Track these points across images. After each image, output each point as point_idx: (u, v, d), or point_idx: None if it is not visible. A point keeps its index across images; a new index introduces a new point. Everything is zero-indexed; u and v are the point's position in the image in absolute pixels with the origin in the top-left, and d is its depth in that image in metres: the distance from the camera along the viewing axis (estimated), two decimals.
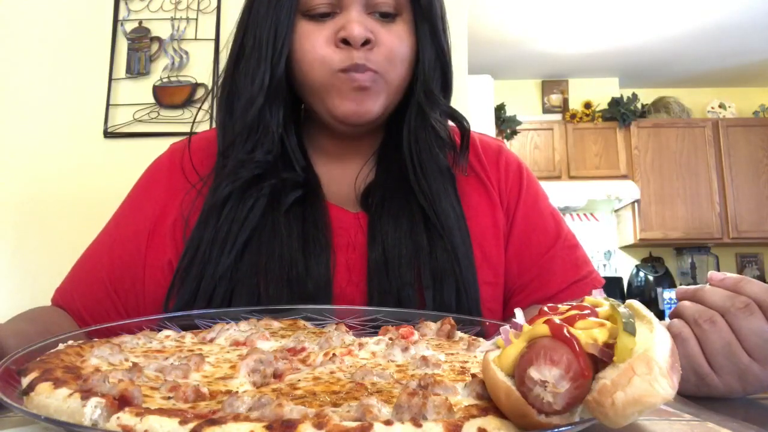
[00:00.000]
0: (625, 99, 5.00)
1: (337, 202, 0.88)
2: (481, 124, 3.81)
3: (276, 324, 0.67)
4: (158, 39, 2.19)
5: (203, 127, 1.90)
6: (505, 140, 4.89)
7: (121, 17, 2.20)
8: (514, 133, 4.93)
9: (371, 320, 0.69)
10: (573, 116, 5.03)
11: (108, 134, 2.12)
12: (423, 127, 0.85)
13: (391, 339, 0.57)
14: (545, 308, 0.39)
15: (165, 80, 2.16)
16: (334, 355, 0.50)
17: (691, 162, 4.86)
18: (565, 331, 0.34)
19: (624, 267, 5.19)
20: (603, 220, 5.28)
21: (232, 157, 0.83)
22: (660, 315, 4.29)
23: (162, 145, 1.00)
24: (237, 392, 0.38)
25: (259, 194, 0.82)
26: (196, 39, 2.18)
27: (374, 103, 0.82)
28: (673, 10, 4.11)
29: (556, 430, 0.33)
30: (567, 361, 0.33)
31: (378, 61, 0.79)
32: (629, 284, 5.04)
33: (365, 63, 0.78)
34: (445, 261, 0.80)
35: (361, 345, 0.54)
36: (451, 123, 0.90)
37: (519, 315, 0.42)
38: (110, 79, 2.15)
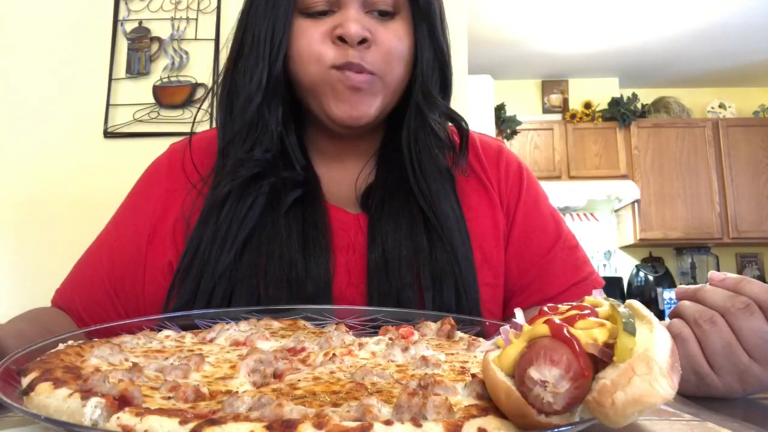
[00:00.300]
0: (625, 99, 5.00)
1: (336, 202, 0.88)
2: (481, 124, 3.81)
3: (276, 324, 0.67)
4: (158, 39, 2.19)
5: (203, 127, 1.90)
6: (505, 140, 4.89)
7: (121, 17, 2.20)
8: (514, 133, 4.93)
9: (371, 320, 0.69)
10: (573, 116, 5.03)
11: (108, 134, 2.12)
12: (422, 128, 0.85)
13: (391, 339, 0.57)
14: (545, 308, 0.39)
15: (165, 80, 2.16)
16: (334, 355, 0.50)
17: (691, 162, 4.86)
18: (565, 331, 0.34)
19: (624, 267, 5.19)
20: (603, 220, 5.28)
21: (231, 156, 0.83)
22: (660, 315, 4.29)
23: (162, 145, 1.00)
24: (237, 392, 0.38)
25: (259, 193, 0.81)
26: (196, 39, 2.18)
27: (370, 106, 0.81)
28: (673, 10, 4.11)
29: (556, 430, 0.33)
30: (567, 361, 0.33)
31: (375, 61, 0.79)
32: (629, 284, 5.04)
33: (361, 62, 0.78)
34: (444, 262, 0.80)
35: (361, 345, 0.54)
36: (450, 123, 0.90)
37: (519, 315, 0.42)
38: (110, 79, 2.15)
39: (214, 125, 0.97)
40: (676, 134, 4.92)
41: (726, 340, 0.57)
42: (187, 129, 1.99)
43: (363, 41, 0.78)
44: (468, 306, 0.80)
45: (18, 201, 2.11)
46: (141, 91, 2.15)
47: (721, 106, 5.19)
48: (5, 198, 2.11)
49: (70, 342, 0.51)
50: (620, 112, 4.91)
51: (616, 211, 5.20)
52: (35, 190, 2.11)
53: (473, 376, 0.42)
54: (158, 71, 2.17)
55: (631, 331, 0.34)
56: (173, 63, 2.16)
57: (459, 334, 0.64)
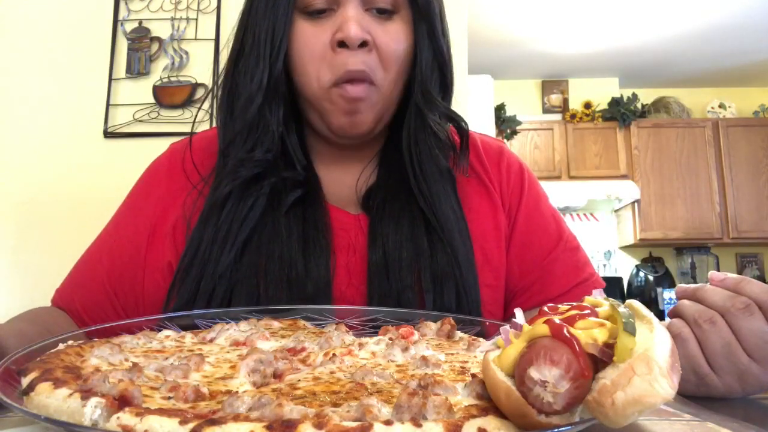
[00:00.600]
0: (625, 99, 5.00)
1: (337, 203, 0.88)
2: (481, 124, 3.81)
3: (276, 324, 0.67)
4: (158, 39, 2.19)
5: (203, 127, 1.90)
6: (505, 140, 4.89)
7: (121, 17, 2.20)
8: (514, 133, 4.93)
9: (371, 320, 0.69)
10: (573, 116, 5.03)
11: (108, 134, 2.12)
12: (422, 129, 0.85)
13: (391, 339, 0.57)
14: (545, 308, 0.39)
15: (165, 80, 2.16)
16: (334, 355, 0.50)
17: (691, 162, 4.86)
18: (565, 331, 0.34)
19: (624, 267, 5.19)
20: (603, 220, 5.28)
21: (232, 156, 0.82)
22: (660, 315, 4.29)
23: (162, 145, 1.00)
24: (237, 392, 0.38)
25: (260, 193, 0.81)
26: (196, 39, 2.18)
27: (367, 116, 0.81)
28: (673, 10, 4.11)
29: (556, 430, 0.33)
30: (567, 361, 0.33)
31: (375, 67, 0.79)
32: (629, 284, 5.04)
33: (364, 68, 0.77)
34: (445, 264, 0.80)
35: (361, 345, 0.54)
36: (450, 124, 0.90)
37: (519, 315, 0.42)
38: (110, 79, 2.15)
39: (214, 125, 0.97)
40: (676, 134, 4.92)
41: (726, 340, 0.57)
42: (187, 129, 1.99)
43: (363, 44, 0.78)
44: (469, 307, 0.79)
45: (18, 201, 2.11)
46: (141, 91, 2.15)
47: (721, 106, 5.19)
48: (5, 198, 2.11)
49: (70, 342, 0.51)
50: (620, 112, 4.91)
51: (616, 211, 5.20)
52: (35, 190, 2.11)
53: (473, 376, 0.42)
54: (158, 71, 2.17)
55: (631, 331, 0.34)
56: (173, 63, 2.16)
57: (459, 334, 0.64)
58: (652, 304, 4.68)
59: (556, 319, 0.36)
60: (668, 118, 5.02)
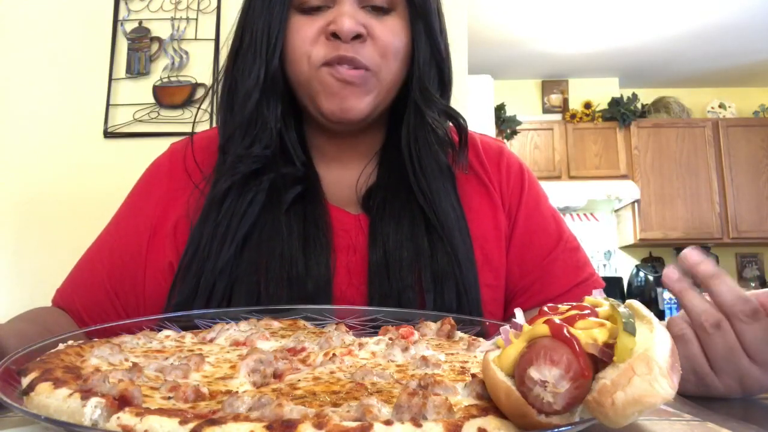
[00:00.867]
0: (625, 99, 5.00)
1: (337, 203, 0.88)
2: (481, 124, 3.81)
3: (276, 324, 0.67)
4: (158, 39, 2.19)
5: (203, 126, 1.90)
6: (505, 140, 4.89)
7: (121, 17, 2.20)
8: (514, 133, 4.93)
9: (371, 320, 0.69)
10: (573, 116, 5.03)
11: (108, 134, 2.12)
12: (421, 126, 0.85)
13: (391, 339, 0.57)
14: (545, 308, 0.39)
15: (165, 80, 2.16)
16: (334, 355, 0.50)
17: (691, 162, 4.86)
18: (565, 331, 0.34)
19: (624, 267, 5.19)
20: (603, 220, 5.28)
21: (230, 152, 0.83)
22: (660, 315, 4.29)
23: (162, 145, 1.00)
24: (237, 392, 0.38)
25: (258, 188, 0.82)
26: (196, 39, 2.18)
27: (361, 101, 0.81)
28: (673, 10, 4.11)
29: (556, 430, 0.33)
30: (567, 361, 0.33)
31: (370, 56, 0.79)
32: (629, 284, 5.04)
33: (355, 56, 0.78)
34: (445, 264, 0.80)
35: (361, 345, 0.54)
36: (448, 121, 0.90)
37: (519, 315, 0.42)
38: (110, 79, 2.15)
39: (214, 125, 0.97)
40: (676, 134, 4.92)
41: (729, 345, 0.55)
42: (187, 129, 1.99)
43: (357, 36, 0.78)
44: (469, 307, 0.79)
45: (18, 201, 2.11)
46: (141, 91, 2.15)
47: (721, 106, 5.19)
48: (5, 198, 2.11)
49: (70, 342, 0.51)
50: (620, 112, 4.91)
51: (616, 211, 5.20)
52: (35, 190, 2.11)
53: (473, 376, 0.42)
54: (158, 71, 2.17)
55: (631, 331, 0.34)
56: (173, 63, 2.16)
57: (459, 334, 0.64)
58: (652, 304, 4.68)
59: (556, 319, 0.36)
60: (668, 118, 5.02)
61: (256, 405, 0.34)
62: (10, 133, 2.15)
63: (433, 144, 0.85)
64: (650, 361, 0.32)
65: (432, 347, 0.56)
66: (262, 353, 0.46)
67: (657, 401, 0.31)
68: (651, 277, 4.89)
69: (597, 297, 0.41)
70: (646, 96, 5.18)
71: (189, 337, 0.59)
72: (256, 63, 0.81)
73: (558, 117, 5.17)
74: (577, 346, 0.34)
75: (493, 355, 0.39)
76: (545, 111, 5.25)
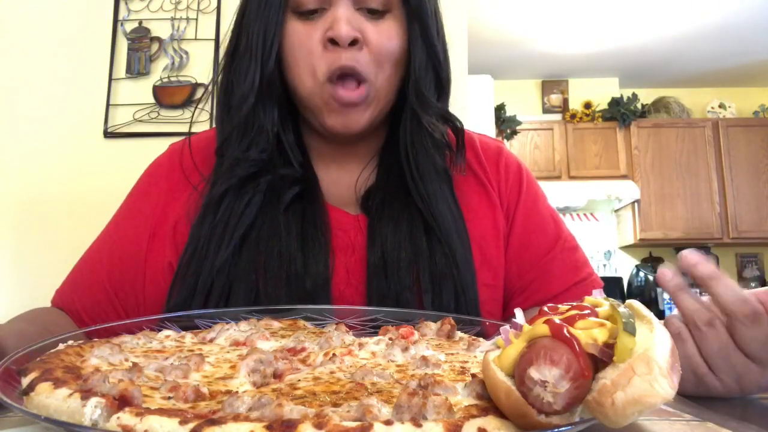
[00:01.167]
0: (625, 99, 5.00)
1: (336, 203, 0.88)
2: (481, 124, 3.81)
3: (276, 324, 0.67)
4: (158, 39, 2.19)
5: (203, 126, 1.90)
6: (505, 140, 4.89)
7: (121, 17, 2.20)
8: (514, 133, 4.93)
9: (371, 320, 0.69)
10: (573, 116, 5.03)
11: (108, 134, 2.12)
12: (417, 129, 0.85)
13: (391, 339, 0.57)
14: (545, 308, 0.39)
15: (165, 80, 2.16)
16: (334, 355, 0.50)
17: (691, 162, 4.86)
18: (565, 331, 0.34)
19: (624, 267, 5.19)
20: (603, 220, 5.28)
21: (227, 155, 0.83)
22: (660, 315, 4.27)
23: (162, 145, 1.00)
24: (237, 392, 0.38)
25: (256, 190, 0.82)
26: (196, 39, 2.19)
27: (362, 116, 0.82)
28: (673, 10, 4.11)
29: (556, 430, 0.33)
30: (567, 361, 0.33)
31: (367, 64, 0.79)
32: (629, 284, 5.04)
33: (355, 65, 0.78)
34: (443, 264, 0.80)
35: (361, 345, 0.54)
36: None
37: (519, 315, 0.42)
38: (110, 79, 2.15)
39: (213, 125, 0.97)
40: (676, 134, 4.92)
41: (723, 342, 0.56)
42: (187, 129, 1.99)
43: (354, 42, 0.78)
44: (467, 307, 0.79)
45: (18, 201, 2.11)
46: (141, 91, 2.15)
47: (721, 106, 5.19)
48: (5, 198, 2.11)
49: (70, 342, 0.52)
50: (620, 112, 4.91)
51: (616, 211, 5.20)
52: (35, 190, 2.11)
53: (473, 376, 0.42)
54: (158, 71, 2.17)
55: (631, 331, 0.34)
56: (173, 63, 2.16)
57: (459, 334, 0.64)
58: (652, 304, 4.68)
59: (556, 319, 0.36)
60: (668, 118, 5.02)
61: (256, 405, 0.34)
62: (10, 133, 2.15)
63: (430, 148, 0.85)
64: (650, 361, 0.32)
65: (432, 347, 0.56)
66: (262, 353, 0.46)
67: (657, 401, 0.31)
68: (651, 277, 4.88)
69: (597, 297, 0.41)
70: (646, 96, 5.18)
71: (189, 337, 0.59)
72: (252, 66, 0.81)
73: (558, 117, 5.17)
74: (577, 346, 0.34)
75: (493, 355, 0.39)
76: (545, 111, 5.25)
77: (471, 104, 2.40)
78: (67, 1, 2.21)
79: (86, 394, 0.35)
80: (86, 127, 2.13)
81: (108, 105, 2.13)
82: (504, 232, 0.89)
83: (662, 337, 0.34)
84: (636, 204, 4.80)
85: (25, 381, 0.40)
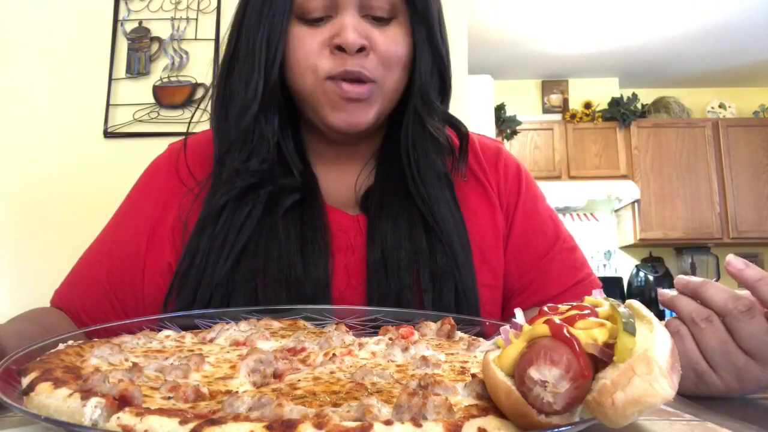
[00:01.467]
0: (625, 99, 5.00)
1: (336, 204, 0.87)
2: (481, 124, 3.81)
3: (276, 324, 0.67)
4: (158, 39, 2.19)
5: (203, 126, 1.89)
6: (505, 140, 4.90)
7: (121, 17, 2.20)
8: (514, 133, 4.93)
9: (371, 320, 0.69)
10: (573, 116, 5.03)
11: (108, 134, 2.12)
12: (420, 133, 0.84)
13: (391, 339, 0.57)
14: (545, 308, 0.39)
15: (165, 80, 2.16)
16: (334, 355, 0.50)
17: (691, 162, 4.86)
18: (565, 331, 0.34)
19: (624, 267, 5.19)
20: (603, 220, 5.28)
21: (227, 166, 0.82)
22: (660, 315, 4.25)
23: (162, 145, 1.00)
24: (237, 392, 0.38)
25: (256, 201, 0.81)
26: (196, 39, 2.18)
27: (367, 114, 0.81)
28: (673, 10, 4.11)
29: (556, 430, 0.33)
30: (567, 361, 0.33)
31: (374, 68, 0.78)
32: (629, 284, 5.04)
33: (361, 70, 0.77)
34: (444, 264, 0.80)
35: (361, 345, 0.54)
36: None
37: (519, 315, 0.42)
38: (110, 79, 2.15)
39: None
40: (676, 134, 4.92)
41: (722, 338, 0.56)
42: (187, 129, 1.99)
43: (361, 49, 0.77)
44: (467, 307, 0.79)
45: (18, 201, 2.11)
46: (141, 91, 2.15)
47: (721, 106, 5.19)
48: (5, 198, 2.11)
49: (70, 342, 0.52)
50: (620, 112, 4.91)
51: (616, 211, 5.20)
52: (35, 190, 2.11)
53: (473, 376, 0.42)
54: (158, 71, 2.17)
55: (631, 331, 0.34)
56: (173, 63, 2.16)
57: (459, 334, 0.64)
58: (652, 304, 4.67)
59: (556, 319, 0.36)
60: (668, 118, 5.02)
61: (256, 405, 0.34)
62: (10, 133, 2.15)
63: (431, 151, 0.85)
64: (650, 361, 0.32)
65: (432, 347, 0.56)
66: (262, 353, 0.46)
67: (657, 401, 0.31)
68: (651, 277, 4.89)
69: (597, 297, 0.41)
70: (646, 96, 5.18)
71: (189, 337, 0.59)
72: (254, 75, 0.79)
73: (558, 117, 5.17)
74: (577, 346, 0.34)
75: (493, 355, 0.39)
76: (545, 111, 5.25)
77: (471, 104, 2.40)
78: (67, 1, 2.21)
79: (86, 394, 0.35)
80: (86, 127, 2.13)
81: (108, 105, 2.13)
82: (503, 233, 0.89)
83: (662, 337, 0.34)
84: (636, 204, 4.80)
85: (25, 381, 0.40)
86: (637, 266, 5.06)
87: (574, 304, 0.39)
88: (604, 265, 5.17)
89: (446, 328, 0.63)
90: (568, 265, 0.89)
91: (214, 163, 0.85)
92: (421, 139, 0.85)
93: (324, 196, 0.87)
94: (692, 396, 0.58)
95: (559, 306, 0.39)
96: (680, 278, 0.62)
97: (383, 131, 0.91)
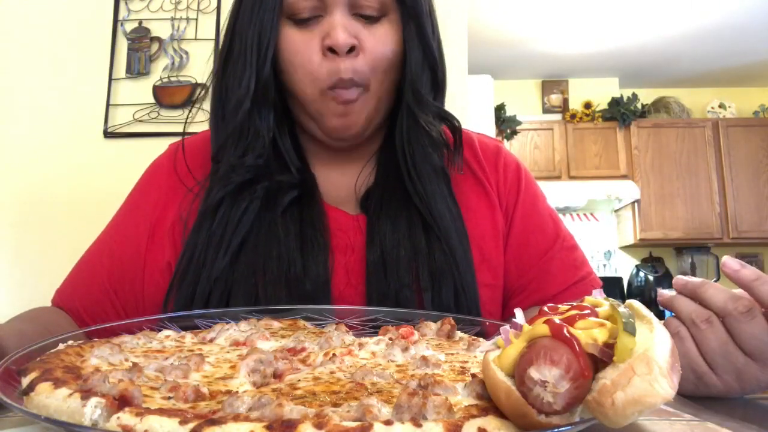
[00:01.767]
0: (625, 99, 5.00)
1: (335, 203, 0.88)
2: (481, 124, 3.81)
3: (276, 324, 0.67)
4: (158, 39, 2.19)
5: (203, 126, 1.89)
6: (505, 140, 4.90)
7: (121, 17, 2.20)
8: (514, 133, 4.93)
9: (371, 320, 0.69)
10: (573, 116, 5.03)
11: (108, 134, 2.12)
12: (414, 128, 0.85)
13: (391, 339, 0.57)
14: (545, 308, 0.39)
15: (165, 80, 2.16)
16: (334, 355, 0.50)
17: (691, 162, 4.86)
18: (565, 331, 0.34)
19: (624, 267, 5.19)
20: (603, 220, 5.28)
21: (223, 162, 0.83)
22: (660, 315, 4.23)
23: (162, 145, 1.00)
24: (237, 392, 0.38)
25: (253, 197, 0.81)
26: (196, 39, 2.19)
27: (359, 116, 0.82)
28: (673, 10, 4.11)
29: (556, 430, 0.33)
30: (567, 361, 0.33)
31: (364, 71, 0.79)
32: (629, 284, 5.04)
33: (352, 77, 0.78)
34: (443, 263, 0.80)
35: (361, 345, 0.54)
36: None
37: (519, 315, 0.42)
38: (110, 79, 2.15)
39: None
40: (676, 134, 4.92)
41: (722, 339, 0.56)
42: (187, 129, 1.99)
43: (351, 49, 0.77)
44: (467, 306, 0.79)
45: (18, 201, 2.11)
46: (141, 91, 2.15)
47: (721, 106, 5.19)
48: (5, 198, 2.11)
49: (70, 342, 0.52)
50: (620, 112, 4.91)
51: (616, 211, 5.20)
52: (35, 190, 2.11)
53: (473, 376, 0.42)
54: (158, 71, 2.17)
55: (631, 331, 0.34)
56: (173, 63, 2.16)
57: (459, 334, 0.64)
58: (652, 304, 4.66)
59: (556, 319, 0.36)
60: (668, 118, 5.02)
61: (256, 405, 0.34)
62: (10, 133, 2.15)
63: (427, 146, 0.85)
64: (650, 361, 0.32)
65: (432, 347, 0.56)
66: (262, 353, 0.46)
67: (657, 401, 0.31)
68: (651, 277, 4.89)
69: (597, 297, 0.41)
70: (646, 96, 5.18)
71: (189, 337, 0.59)
72: (246, 72, 0.80)
73: (558, 117, 5.17)
74: (577, 346, 0.34)
75: (493, 355, 0.39)
76: (545, 111, 5.25)
77: (471, 104, 2.39)
78: (67, 1, 2.21)
79: (86, 394, 0.35)
80: (86, 127, 2.13)
81: (108, 105, 2.13)
82: (503, 232, 0.89)
83: (662, 337, 0.34)
84: (636, 204, 4.80)
85: (25, 381, 0.40)
86: (637, 266, 5.06)
87: (574, 304, 0.39)
88: (604, 265, 5.17)
89: (446, 328, 0.63)
90: (568, 264, 0.89)
91: (212, 161, 0.86)
92: (416, 134, 0.85)
93: (323, 195, 0.87)
94: (692, 396, 0.58)
95: (559, 306, 0.39)
96: (679, 278, 0.62)
97: (382, 130, 0.92)
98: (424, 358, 0.48)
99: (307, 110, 0.83)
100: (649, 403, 0.31)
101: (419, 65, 0.84)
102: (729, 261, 0.58)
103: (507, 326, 0.41)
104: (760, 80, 5.27)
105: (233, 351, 0.54)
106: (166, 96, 2.15)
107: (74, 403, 0.35)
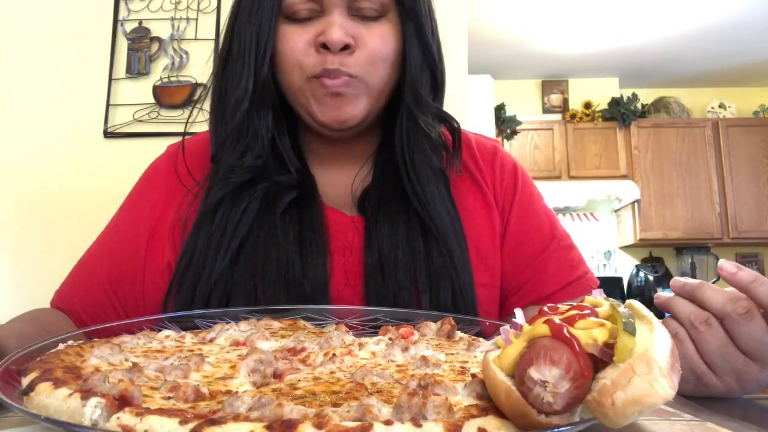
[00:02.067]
0: (625, 99, 5.00)
1: (334, 205, 0.88)
2: (481, 124, 3.81)
3: (276, 324, 0.67)
4: (158, 39, 2.19)
5: (203, 127, 1.89)
6: (505, 140, 4.90)
7: (121, 17, 2.20)
8: (514, 133, 4.93)
9: (371, 320, 0.69)
10: (573, 116, 5.03)
11: (108, 134, 2.12)
12: (413, 130, 0.85)
13: (391, 339, 0.57)
14: (545, 308, 0.39)
15: (165, 80, 2.16)
16: (334, 355, 0.50)
17: (691, 162, 4.86)
18: (565, 331, 0.34)
19: (624, 267, 5.19)
20: (603, 220, 5.28)
21: (222, 162, 0.83)
22: (660, 315, 4.27)
23: (162, 145, 1.00)
24: (237, 392, 0.38)
25: (252, 197, 0.81)
26: (196, 39, 2.18)
27: (354, 108, 0.81)
28: (673, 10, 4.11)
29: (556, 430, 0.33)
30: (567, 361, 0.33)
31: (357, 65, 0.79)
32: (629, 284, 5.04)
33: (338, 68, 0.78)
34: (441, 264, 0.80)
35: (361, 345, 0.54)
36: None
37: (519, 315, 0.42)
38: (110, 79, 2.15)
39: None
40: (676, 134, 4.92)
41: (721, 341, 0.56)
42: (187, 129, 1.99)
43: (345, 47, 0.78)
44: (465, 307, 0.80)
45: (18, 201, 2.11)
46: (141, 91, 2.15)
47: (721, 106, 5.19)
48: (5, 198, 2.11)
49: (70, 342, 0.52)
50: (620, 112, 4.92)
51: (616, 211, 5.20)
52: (35, 190, 2.11)
53: (473, 376, 0.42)
54: (158, 71, 2.17)
55: (631, 331, 0.34)
56: (173, 63, 2.16)
57: (459, 334, 0.64)
58: (651, 304, 4.62)
59: (556, 319, 0.36)
60: (668, 118, 5.02)
61: (256, 405, 0.34)
62: (10, 133, 2.15)
63: (426, 148, 0.85)
64: (650, 361, 0.32)
65: (432, 347, 0.56)
66: (262, 353, 0.46)
67: (657, 401, 0.31)
68: (651, 277, 4.89)
69: (597, 297, 0.41)
70: (646, 96, 5.18)
71: (189, 337, 0.59)
72: (245, 72, 0.81)
73: (558, 117, 5.17)
74: (577, 346, 0.34)
75: (493, 355, 0.39)
76: (545, 111, 5.25)
77: (471, 104, 2.39)
78: (67, 1, 2.21)
79: (86, 394, 0.35)
80: (86, 127, 2.13)
81: (108, 105, 2.13)
82: (500, 232, 0.89)
83: (662, 337, 0.34)
84: (636, 204, 4.80)
85: (25, 381, 0.40)
86: (637, 266, 5.06)
87: (574, 303, 0.39)
88: (604, 265, 5.18)
89: (446, 328, 0.63)
90: (564, 264, 0.89)
91: (211, 162, 0.86)
92: (416, 135, 0.85)
93: (322, 196, 0.87)
94: (692, 396, 0.58)
95: (559, 306, 0.39)
96: (676, 280, 0.62)
97: (379, 131, 0.92)
98: (424, 358, 0.48)
99: (298, 100, 0.82)
100: (649, 403, 0.31)
101: (419, 66, 0.84)
102: (725, 264, 0.59)
103: (507, 326, 0.41)
104: (760, 80, 5.27)
105: (233, 351, 0.54)
106: (166, 96, 2.15)
107: (74, 403, 0.35)
